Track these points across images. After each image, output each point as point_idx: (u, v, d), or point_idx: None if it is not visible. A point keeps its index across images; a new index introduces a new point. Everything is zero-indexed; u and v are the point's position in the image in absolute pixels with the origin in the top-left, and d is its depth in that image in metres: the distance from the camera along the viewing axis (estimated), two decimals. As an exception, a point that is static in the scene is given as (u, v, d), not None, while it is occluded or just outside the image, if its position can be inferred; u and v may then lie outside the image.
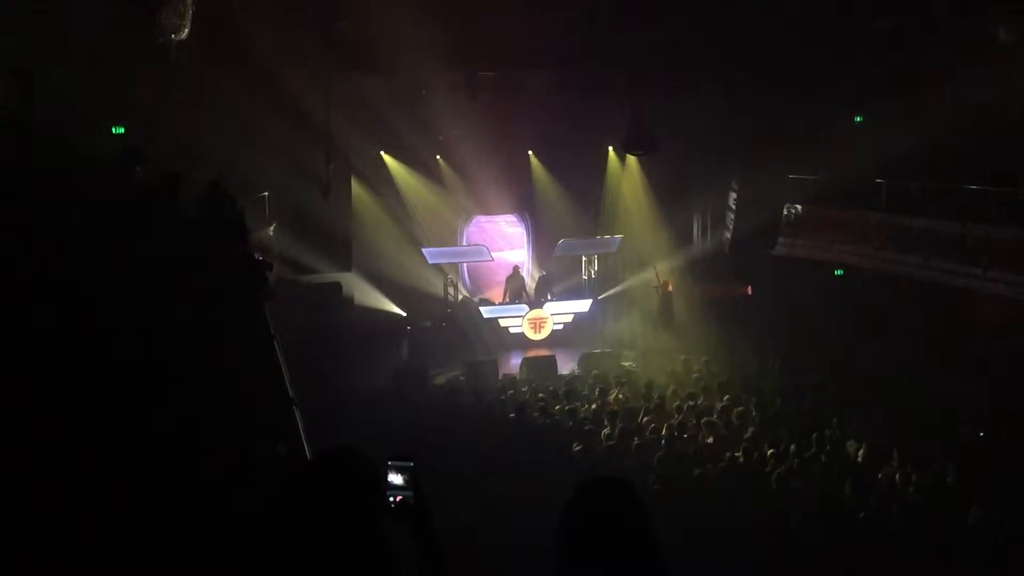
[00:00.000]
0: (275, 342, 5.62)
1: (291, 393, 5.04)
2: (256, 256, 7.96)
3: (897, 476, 9.33)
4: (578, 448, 10.40)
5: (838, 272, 18.24)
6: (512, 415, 12.01)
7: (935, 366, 13.59)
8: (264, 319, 5.85)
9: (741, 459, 9.65)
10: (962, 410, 11.56)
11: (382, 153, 18.89)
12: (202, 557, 3.38)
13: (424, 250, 18.71)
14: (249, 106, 13.68)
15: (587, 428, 11.05)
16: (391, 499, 2.32)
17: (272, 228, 14.85)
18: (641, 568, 2.12)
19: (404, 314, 18.92)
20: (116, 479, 3.54)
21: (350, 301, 18.16)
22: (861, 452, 10.08)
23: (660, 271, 19.49)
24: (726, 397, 12.39)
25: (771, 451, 9.82)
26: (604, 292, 20.30)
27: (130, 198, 7.28)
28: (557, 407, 12.29)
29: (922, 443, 10.39)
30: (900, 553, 7.51)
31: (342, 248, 17.64)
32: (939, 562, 7.41)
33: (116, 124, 12.13)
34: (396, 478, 2.33)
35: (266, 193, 14.95)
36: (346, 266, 17.85)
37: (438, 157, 19.23)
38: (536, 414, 12.07)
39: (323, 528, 2.16)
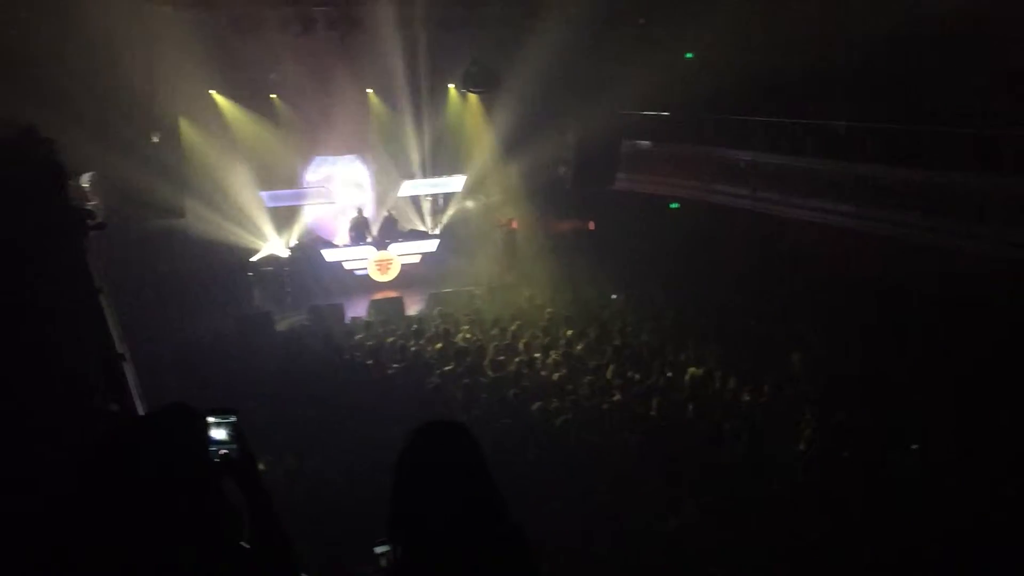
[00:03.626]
0: (100, 295, 5.32)
1: (120, 348, 4.79)
2: (78, 204, 7.44)
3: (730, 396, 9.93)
4: (431, 386, 10.47)
5: (673, 205, 18.92)
6: (360, 358, 11.93)
7: (759, 291, 14.40)
8: (87, 272, 5.51)
9: (586, 390, 9.97)
10: (784, 331, 12.35)
11: (212, 92, 17.97)
12: (35, 519, 3.21)
13: (262, 193, 18.09)
14: (63, 44, 12.64)
15: (434, 367, 11.12)
16: (215, 454, 2.28)
17: (91, 175, 13.89)
18: (472, 508, 2.16)
19: (248, 259, 18.30)
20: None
21: (186, 247, 17.36)
22: (699, 377, 10.58)
23: (503, 210, 19.64)
24: (570, 332, 12.72)
25: (616, 382, 10.18)
26: (448, 232, 20.29)
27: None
28: (407, 345, 12.31)
29: (751, 365, 11.07)
30: (738, 467, 8.00)
31: (175, 193, 16.76)
32: (774, 471, 7.96)
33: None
34: (219, 432, 2.29)
35: (85, 137, 13.92)
36: (180, 212, 17.02)
37: (273, 96, 18.50)
38: (384, 356, 12.05)
39: (151, 485, 2.11)
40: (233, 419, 2.31)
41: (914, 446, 8.40)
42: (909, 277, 13.11)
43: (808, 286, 14.22)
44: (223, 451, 2.29)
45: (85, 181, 12.02)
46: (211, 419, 2.29)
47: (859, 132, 14.88)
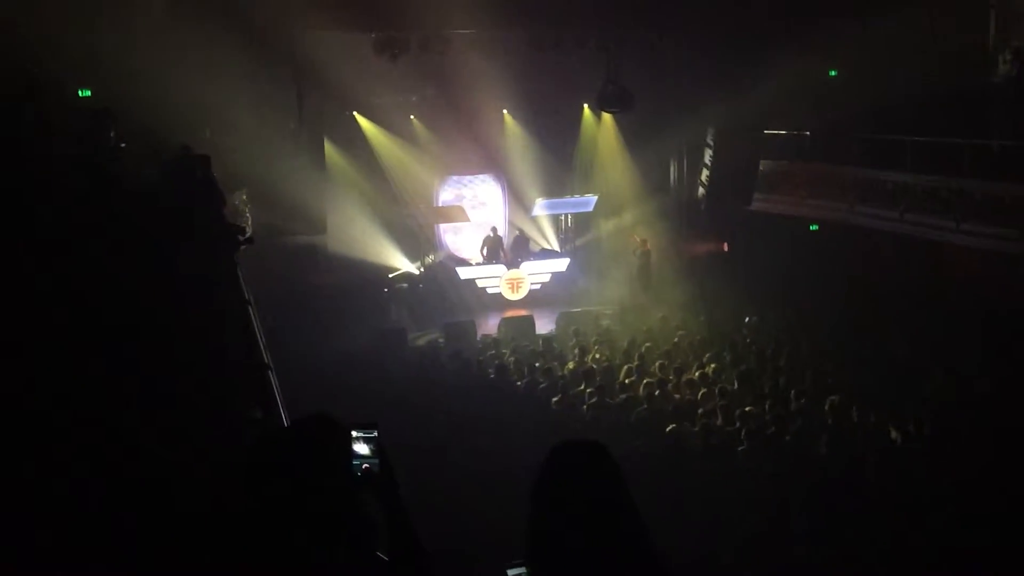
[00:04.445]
0: (250, 307, 5.57)
1: (266, 359, 5.01)
2: (231, 220, 7.84)
3: (872, 428, 9.47)
4: (556, 402, 10.44)
5: (813, 227, 18.31)
6: (492, 375, 12.04)
7: (908, 319, 13.73)
8: (239, 285, 5.79)
9: (720, 417, 9.72)
10: (935, 362, 11.70)
11: (355, 114, 18.65)
12: (176, 520, 3.36)
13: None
14: (217, 68, 13.40)
15: (564, 387, 11.08)
16: (357, 468, 2.30)
17: (244, 192, 14.64)
18: (614, 531, 2.12)
19: (384, 276, 18.82)
20: (92, 449, 3.50)
21: (326, 263, 18.05)
22: (836, 406, 10.16)
23: (636, 230, 19.50)
24: (705, 355, 12.47)
25: (748, 408, 9.89)
26: (579, 252, 20.28)
27: (100, 164, 7.13)
28: (538, 364, 12.33)
29: (896, 396, 10.54)
30: (874, 505, 7.62)
31: (317, 211, 17.49)
32: (912, 511, 7.53)
33: (83, 87, 11.79)
34: (361, 447, 2.31)
35: (236, 156, 14.70)
36: (321, 229, 17.71)
37: (412, 117, 19.03)
38: (514, 374, 12.11)
39: (300, 493, 2.15)
40: (375, 433, 2.32)
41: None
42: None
43: (958, 313, 13.45)
44: (365, 465, 2.31)
45: (237, 198, 12.68)
46: (354, 433, 2.31)
47: (1016, 151, 14.01)
